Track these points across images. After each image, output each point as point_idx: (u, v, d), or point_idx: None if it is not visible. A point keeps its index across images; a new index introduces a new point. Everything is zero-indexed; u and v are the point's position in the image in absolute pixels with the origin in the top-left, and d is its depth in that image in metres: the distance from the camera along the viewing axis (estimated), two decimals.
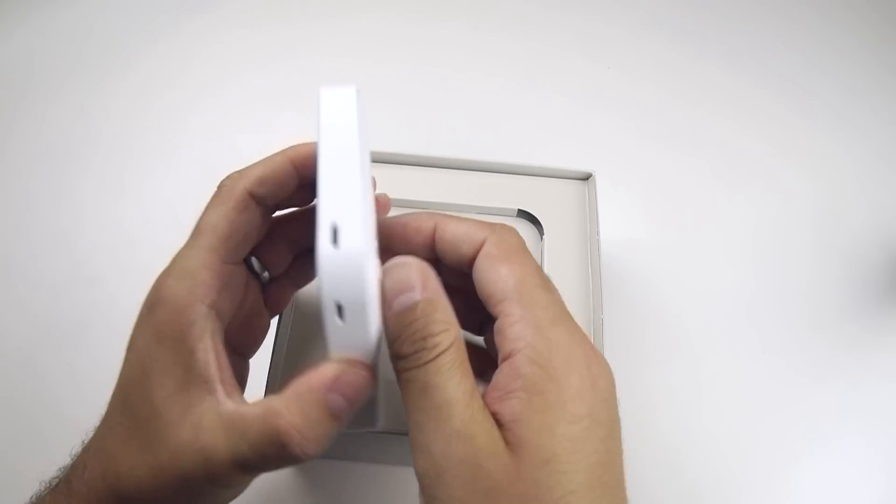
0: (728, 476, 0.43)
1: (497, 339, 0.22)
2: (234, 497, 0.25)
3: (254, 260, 0.28)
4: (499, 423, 0.20)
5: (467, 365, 0.21)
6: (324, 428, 0.21)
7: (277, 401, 0.21)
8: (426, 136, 0.54)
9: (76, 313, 0.46)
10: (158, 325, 0.23)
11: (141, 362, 0.23)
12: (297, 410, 0.21)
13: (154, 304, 0.24)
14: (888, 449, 0.45)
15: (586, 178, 0.41)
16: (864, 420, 0.45)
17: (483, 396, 0.21)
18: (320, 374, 0.21)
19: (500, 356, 0.22)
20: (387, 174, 0.35)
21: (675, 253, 0.51)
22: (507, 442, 0.20)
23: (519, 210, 0.39)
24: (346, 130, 0.22)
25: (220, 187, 0.25)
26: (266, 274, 0.29)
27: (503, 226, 0.24)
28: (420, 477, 0.21)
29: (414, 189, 0.38)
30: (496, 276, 0.22)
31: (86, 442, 0.25)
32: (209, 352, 0.23)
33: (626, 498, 0.21)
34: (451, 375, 0.20)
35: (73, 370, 0.44)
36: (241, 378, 0.29)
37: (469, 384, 0.21)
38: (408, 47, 0.59)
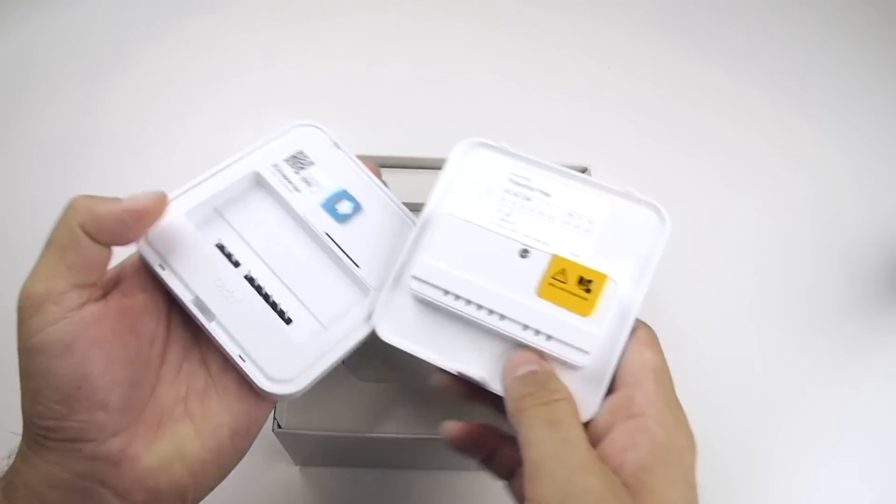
0: (728, 476, 0.43)
1: (622, 402, 0.25)
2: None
3: None
4: (622, 467, 0.23)
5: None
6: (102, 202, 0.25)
7: None
8: (426, 136, 0.54)
9: None
10: None
11: None
12: None
13: None
14: (889, 449, 0.45)
15: (582, 171, 0.41)
16: (865, 420, 0.45)
17: (599, 447, 0.24)
18: None
19: (623, 416, 0.25)
20: (387, 178, 0.35)
21: (675, 253, 0.51)
22: (627, 485, 0.23)
23: None
24: None
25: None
26: None
27: (645, 323, 0.28)
28: (537, 503, 0.22)
29: (410, 190, 0.38)
30: (638, 357, 0.26)
31: None
32: None
33: None
34: (574, 419, 0.24)
35: None
36: (246, 401, 0.27)
37: (586, 436, 0.24)
38: (408, 48, 0.59)
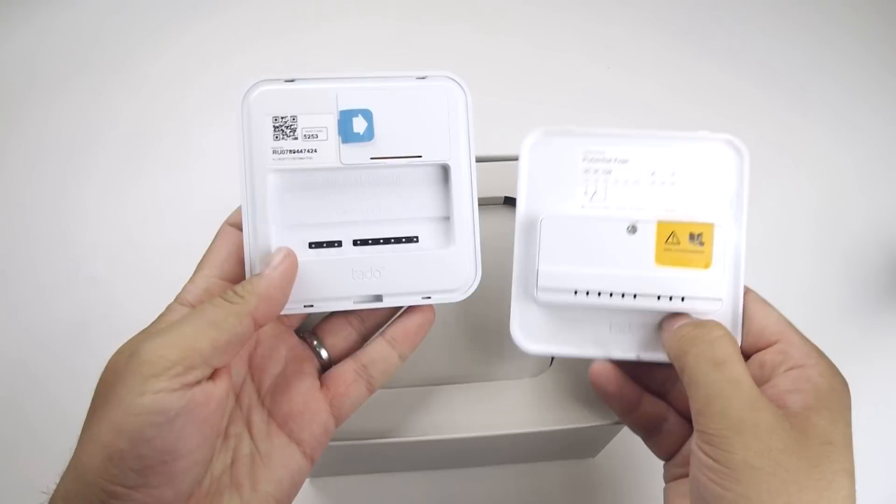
0: None
1: (778, 357, 0.27)
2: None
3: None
4: (785, 408, 0.25)
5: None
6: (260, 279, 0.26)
7: None
8: None
9: (76, 313, 0.46)
10: None
11: None
12: None
13: None
14: (888, 450, 0.45)
15: None
16: (865, 421, 0.45)
17: (762, 390, 0.26)
18: None
19: (782, 369, 0.27)
20: None
21: None
22: (792, 422, 0.24)
23: (505, 197, 0.38)
24: None
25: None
26: (325, 353, 0.30)
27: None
28: (710, 437, 0.24)
29: None
30: (769, 314, 0.28)
31: None
32: None
33: None
34: (737, 356, 0.26)
35: (73, 370, 0.44)
36: (290, 467, 0.27)
37: (749, 374, 0.25)
38: (406, 49, 0.59)
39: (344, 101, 0.29)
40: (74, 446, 0.24)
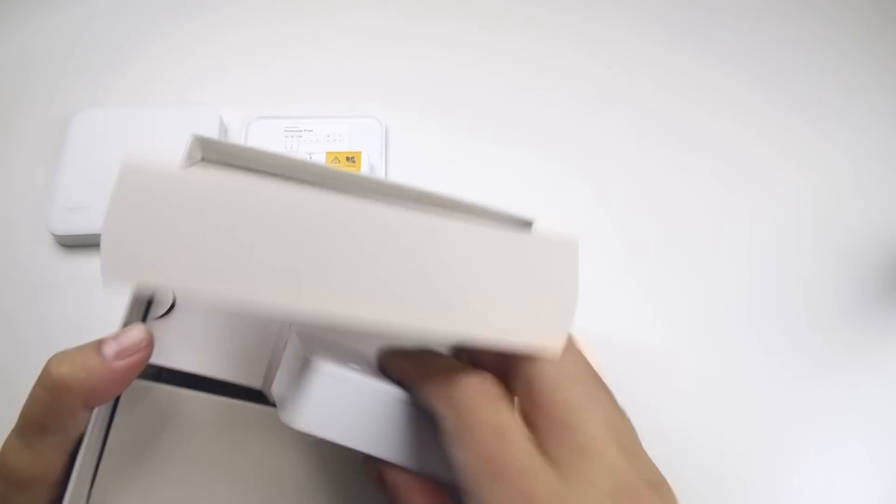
0: (728, 478, 0.43)
1: None
2: None
3: None
4: None
5: None
6: (86, 355, 0.24)
7: None
8: (424, 136, 0.54)
9: (75, 314, 0.46)
10: None
11: None
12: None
13: None
14: (888, 450, 0.45)
15: (528, 224, 0.29)
16: (865, 421, 0.45)
17: None
18: None
19: None
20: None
21: (675, 253, 0.51)
22: None
23: None
24: None
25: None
26: None
27: None
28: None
29: None
30: None
31: None
32: None
33: None
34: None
35: None
36: None
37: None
38: (405, 47, 0.59)
39: None
40: None
